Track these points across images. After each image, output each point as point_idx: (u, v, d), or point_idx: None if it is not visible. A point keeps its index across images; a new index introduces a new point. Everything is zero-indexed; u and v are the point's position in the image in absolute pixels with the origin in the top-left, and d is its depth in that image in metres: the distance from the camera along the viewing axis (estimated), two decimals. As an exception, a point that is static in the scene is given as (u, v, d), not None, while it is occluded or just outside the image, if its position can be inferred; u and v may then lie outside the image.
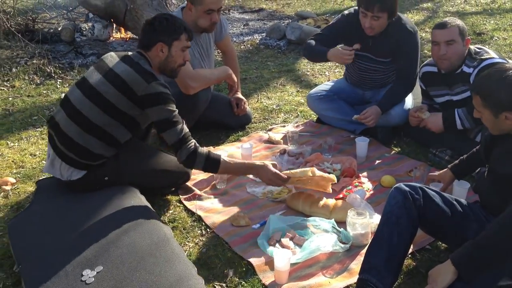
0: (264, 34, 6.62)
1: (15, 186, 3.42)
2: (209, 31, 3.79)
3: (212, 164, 2.91)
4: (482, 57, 3.31)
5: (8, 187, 3.38)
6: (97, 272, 2.32)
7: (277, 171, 2.97)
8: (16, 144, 4.04)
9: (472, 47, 3.41)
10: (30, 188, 3.37)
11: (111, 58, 2.99)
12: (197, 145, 2.91)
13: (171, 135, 2.85)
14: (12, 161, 3.76)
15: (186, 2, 3.71)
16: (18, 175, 3.56)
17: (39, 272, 2.37)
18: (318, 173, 3.02)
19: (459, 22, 3.35)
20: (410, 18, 7.20)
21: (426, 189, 2.44)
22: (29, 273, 2.40)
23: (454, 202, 2.48)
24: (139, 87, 2.80)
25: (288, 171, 3.02)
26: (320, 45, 3.85)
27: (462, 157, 2.63)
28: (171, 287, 2.17)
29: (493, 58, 3.29)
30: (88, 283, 2.27)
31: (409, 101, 3.95)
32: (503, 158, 2.36)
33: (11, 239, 2.71)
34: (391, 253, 2.31)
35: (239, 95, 4.14)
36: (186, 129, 2.90)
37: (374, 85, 4.03)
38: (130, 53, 3.02)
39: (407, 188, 2.40)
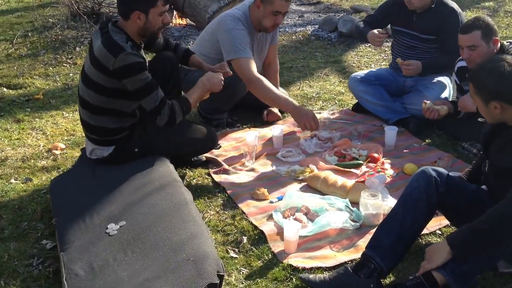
0: (316, 26, 6.73)
1: (64, 151, 3.74)
2: (269, 31, 3.92)
3: (186, 109, 3.12)
4: None
5: (57, 152, 3.71)
6: (120, 226, 2.57)
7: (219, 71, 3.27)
8: (71, 115, 4.38)
9: (505, 42, 3.40)
10: (77, 154, 3.67)
11: (96, 35, 3.03)
12: (171, 104, 3.04)
13: (148, 102, 2.98)
14: (65, 129, 4.10)
15: None
16: (68, 142, 3.88)
17: (71, 224, 2.64)
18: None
19: (483, 23, 3.28)
20: (469, 16, 7.10)
21: (452, 176, 2.49)
22: (63, 224, 2.68)
23: (475, 191, 2.54)
24: (109, 62, 2.88)
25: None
26: (367, 26, 4.15)
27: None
28: (182, 242, 2.38)
29: None
30: (111, 235, 2.52)
31: (447, 91, 4.00)
32: (500, 152, 2.41)
33: (51, 196, 3.01)
34: (401, 235, 2.38)
35: (275, 110, 4.19)
36: (161, 93, 3.01)
37: None
38: (110, 24, 3.03)
39: (433, 173, 2.44)
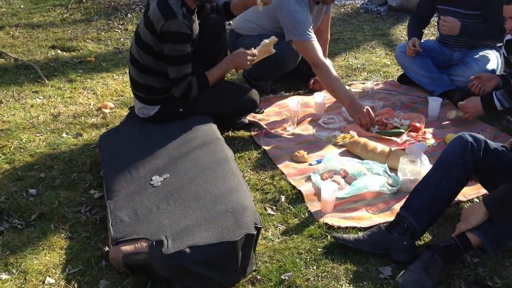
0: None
1: (113, 110, 3.89)
2: (328, 3, 3.92)
3: (204, 87, 3.24)
4: None
5: (107, 110, 3.86)
6: (164, 178, 2.68)
7: (247, 51, 3.28)
8: (120, 77, 4.53)
9: None
10: (125, 113, 3.81)
11: None
12: (190, 80, 3.16)
13: (173, 71, 3.12)
14: (114, 90, 4.25)
15: None
16: (117, 102, 4.03)
17: (117, 175, 2.78)
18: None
19: None
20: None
21: (490, 142, 2.48)
22: (110, 175, 2.81)
23: None
24: (158, 23, 2.99)
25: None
26: (416, 19, 4.20)
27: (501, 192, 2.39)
28: (222, 196, 2.47)
29: None
30: (155, 186, 2.64)
31: (494, 63, 3.92)
32: None
33: (100, 149, 3.16)
34: (435, 198, 2.41)
35: None
36: (188, 70, 3.14)
37: (464, 43, 4.02)
38: None
39: (470, 139, 2.44)
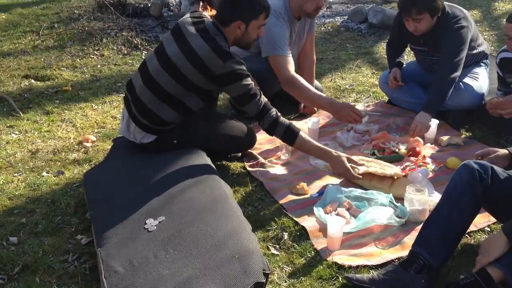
0: (346, 17, 6.59)
1: (95, 143, 3.68)
2: (311, 16, 3.80)
3: (290, 135, 3.03)
4: None
5: (88, 144, 3.64)
6: (159, 222, 2.48)
7: (350, 167, 2.96)
8: (100, 106, 4.33)
9: None
10: (108, 146, 3.61)
11: (188, 26, 3.01)
12: (278, 114, 3.03)
13: (251, 108, 2.99)
14: (95, 122, 4.04)
15: None
16: (99, 134, 3.82)
17: (107, 219, 2.57)
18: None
19: None
20: (501, 6, 6.92)
21: (496, 168, 2.39)
22: (99, 219, 2.60)
23: None
24: (216, 67, 2.89)
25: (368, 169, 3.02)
26: (392, 47, 4.12)
27: None
28: (225, 239, 2.29)
29: None
30: (150, 231, 2.44)
31: (485, 85, 3.82)
32: None
33: (85, 189, 2.94)
34: (448, 230, 2.30)
35: None
36: (264, 99, 3.02)
37: None
38: (206, 20, 3.06)
39: (476, 166, 2.35)
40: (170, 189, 2.70)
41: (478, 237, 2.64)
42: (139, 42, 5.84)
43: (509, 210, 2.40)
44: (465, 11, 3.67)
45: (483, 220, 2.69)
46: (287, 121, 3.04)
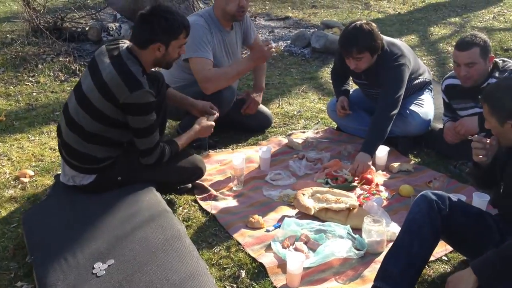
0: (289, 42, 6.61)
1: (33, 178, 3.45)
2: (238, 18, 3.74)
3: (174, 154, 3.06)
4: (511, 68, 3.24)
5: (26, 179, 3.41)
6: (108, 265, 2.32)
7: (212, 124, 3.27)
8: (37, 138, 4.08)
9: (497, 59, 3.33)
10: (48, 181, 3.40)
11: (103, 57, 2.86)
12: (163, 146, 2.97)
13: (143, 143, 2.89)
14: (32, 154, 3.80)
15: None
16: (37, 168, 3.59)
17: (51, 263, 2.38)
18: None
19: (481, 39, 3.19)
20: (437, 31, 7.14)
21: (453, 198, 2.40)
22: (41, 263, 2.41)
23: (479, 213, 2.46)
24: (121, 94, 2.74)
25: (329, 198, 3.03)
26: (337, 74, 4.09)
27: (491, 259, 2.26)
28: (182, 283, 2.16)
29: None
30: (99, 276, 2.27)
31: (430, 111, 3.87)
32: None
33: (25, 230, 2.73)
34: (409, 263, 2.27)
35: (256, 95, 4.10)
36: (158, 135, 2.93)
37: None
38: (121, 46, 2.90)
39: (433, 197, 2.35)
40: (119, 230, 2.55)
41: (436, 267, 2.62)
42: (77, 68, 5.61)
43: (466, 239, 2.41)
44: (403, 47, 3.71)
45: (440, 249, 2.66)
46: (167, 149, 2.98)
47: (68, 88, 5.16)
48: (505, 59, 3.41)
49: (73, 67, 5.59)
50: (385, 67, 3.58)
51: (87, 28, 6.58)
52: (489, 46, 3.22)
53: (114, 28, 6.52)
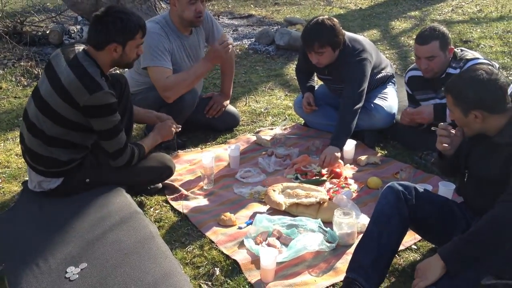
0: (253, 40, 6.64)
1: (0, 186, 3.39)
2: (196, 23, 3.74)
3: (142, 157, 3.07)
4: (468, 57, 3.33)
5: (-8, 187, 3.35)
6: (81, 269, 2.31)
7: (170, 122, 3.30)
8: (2, 144, 4.01)
9: (455, 49, 3.43)
10: (16, 188, 3.35)
11: (58, 59, 2.85)
12: (132, 148, 2.97)
13: (112, 145, 2.88)
14: (-3, 161, 3.74)
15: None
16: (4, 175, 3.53)
17: (23, 270, 2.35)
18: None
19: (440, 32, 3.28)
20: (398, 25, 7.28)
21: (418, 188, 2.46)
22: (13, 271, 2.38)
23: (444, 202, 2.53)
24: (81, 97, 2.72)
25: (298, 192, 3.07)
26: (301, 72, 4.15)
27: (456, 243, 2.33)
28: (156, 284, 2.16)
29: (478, 58, 3.31)
30: (72, 280, 2.26)
31: (394, 104, 3.95)
32: (480, 162, 2.39)
33: (-5, 238, 2.69)
34: (379, 253, 2.32)
35: (223, 99, 4.14)
36: (124, 137, 2.92)
37: None
38: (77, 48, 2.88)
39: (400, 188, 2.41)
40: (90, 233, 2.53)
41: (406, 255, 2.68)
42: (40, 72, 5.51)
43: (434, 228, 2.47)
44: (364, 42, 3.78)
45: (409, 238, 2.73)
46: (136, 150, 3.00)
47: (31, 93, 5.06)
48: (463, 48, 3.51)
49: (36, 72, 5.50)
50: (347, 62, 3.64)
51: (48, 32, 6.48)
52: (449, 38, 3.31)
53: (75, 30, 6.44)
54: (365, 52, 3.69)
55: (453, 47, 3.35)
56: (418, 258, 2.67)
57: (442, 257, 2.18)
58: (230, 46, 3.66)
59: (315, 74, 4.12)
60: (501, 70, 3.92)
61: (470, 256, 2.16)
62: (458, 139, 2.52)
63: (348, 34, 3.75)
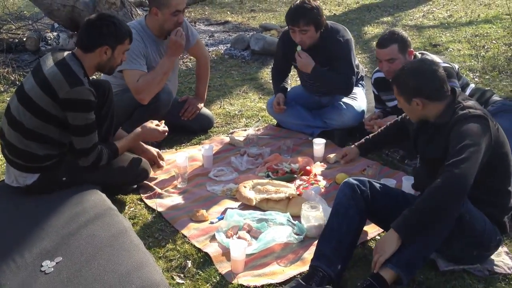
0: (228, 45, 6.76)
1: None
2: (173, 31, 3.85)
3: (113, 157, 3.15)
4: None
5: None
6: (56, 263, 2.39)
7: (156, 126, 3.39)
8: (-21, 148, 4.05)
9: (416, 53, 3.58)
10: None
11: (46, 59, 2.99)
12: (101, 149, 3.04)
13: (82, 141, 2.96)
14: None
15: (150, 7, 3.79)
16: (-20, 176, 3.58)
17: (-1, 265, 2.42)
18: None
19: (399, 36, 3.41)
20: (370, 31, 7.46)
21: (373, 182, 2.64)
22: (-11, 266, 2.44)
23: (400, 194, 2.71)
24: (62, 90, 2.83)
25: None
26: (277, 72, 4.33)
27: (367, 137, 2.77)
28: (129, 274, 2.25)
29: (439, 62, 3.47)
30: (47, 273, 2.34)
31: (363, 103, 4.11)
32: (426, 145, 2.64)
33: (-30, 234, 2.75)
34: (340, 242, 2.47)
35: (198, 102, 4.25)
36: (96, 138, 3.01)
37: (323, 92, 4.18)
38: (67, 52, 3.03)
39: (355, 182, 2.59)
40: (65, 229, 2.62)
41: (370, 244, 2.81)
42: (17, 78, 5.58)
43: (390, 219, 2.59)
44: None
45: (373, 230, 2.86)
46: (104, 152, 3.07)
47: (7, 99, 5.11)
48: (424, 52, 3.66)
49: (12, 78, 5.56)
50: (332, 40, 3.84)
51: (24, 39, 6.53)
52: (408, 41, 3.45)
53: (52, 37, 6.50)
54: (347, 33, 3.94)
55: (412, 50, 3.50)
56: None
57: (395, 228, 2.37)
58: (182, 33, 3.77)
59: (290, 75, 4.25)
60: (461, 71, 4.07)
61: (419, 223, 2.35)
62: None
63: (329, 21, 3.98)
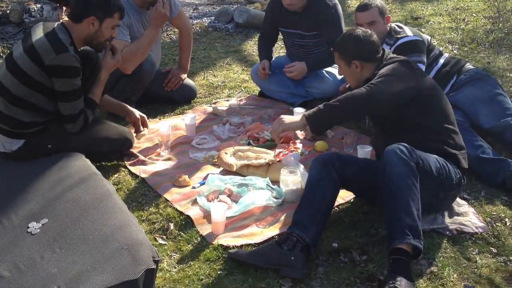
0: (213, 18, 6.78)
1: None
2: (155, 2, 3.89)
3: (94, 109, 3.19)
4: (399, 36, 3.60)
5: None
6: (42, 224, 2.46)
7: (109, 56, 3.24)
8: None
9: (393, 24, 3.68)
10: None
11: (37, 29, 3.02)
12: (87, 117, 3.10)
13: (66, 108, 3.01)
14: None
15: None
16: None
17: (-14, 227, 2.50)
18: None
19: (378, 1, 3.60)
20: (354, 4, 7.51)
21: (340, 154, 2.84)
22: (-24, 228, 2.52)
23: (368, 161, 2.90)
24: (47, 56, 2.87)
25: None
26: (264, 40, 4.38)
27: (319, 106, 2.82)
28: (112, 234, 2.34)
29: (408, 36, 3.58)
30: (33, 234, 2.41)
31: (344, 75, 4.20)
32: None
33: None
34: (314, 209, 2.57)
35: (181, 72, 4.31)
36: (82, 104, 3.06)
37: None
38: (58, 22, 3.08)
39: (324, 156, 2.76)
40: (51, 192, 2.68)
41: (345, 208, 2.93)
42: (1, 50, 5.57)
43: (363, 184, 2.77)
44: None
45: (348, 194, 2.98)
46: (88, 111, 3.11)
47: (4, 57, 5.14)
48: (400, 25, 3.75)
49: (-4, 49, 5.56)
50: (320, 4, 3.93)
51: (8, 11, 6.50)
52: (385, 8, 3.66)
53: (36, 9, 6.48)
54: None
55: (389, 16, 3.62)
56: (356, 209, 2.91)
57: (304, 115, 2.72)
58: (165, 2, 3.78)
59: (276, 45, 4.33)
60: (433, 42, 4.17)
61: (327, 115, 2.69)
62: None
63: None
